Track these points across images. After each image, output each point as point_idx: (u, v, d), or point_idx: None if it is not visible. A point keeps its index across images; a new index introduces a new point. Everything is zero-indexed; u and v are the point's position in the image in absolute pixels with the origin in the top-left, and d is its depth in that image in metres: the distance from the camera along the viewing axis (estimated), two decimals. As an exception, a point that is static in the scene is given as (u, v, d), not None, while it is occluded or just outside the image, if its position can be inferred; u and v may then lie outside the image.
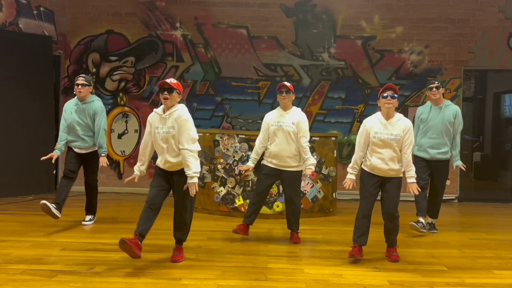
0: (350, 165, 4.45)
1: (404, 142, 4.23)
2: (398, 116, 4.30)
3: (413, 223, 5.36)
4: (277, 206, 6.21)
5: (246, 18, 8.05)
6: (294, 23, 8.06)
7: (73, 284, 3.58)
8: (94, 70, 8.14)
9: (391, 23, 8.00)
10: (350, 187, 4.39)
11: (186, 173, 3.96)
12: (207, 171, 6.45)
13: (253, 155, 5.04)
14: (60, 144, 5.42)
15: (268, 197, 6.13)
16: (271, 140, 4.92)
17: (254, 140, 5.28)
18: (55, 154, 5.36)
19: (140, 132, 8.13)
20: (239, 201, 6.31)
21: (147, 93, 8.12)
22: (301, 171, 4.96)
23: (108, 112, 8.09)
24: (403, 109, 7.88)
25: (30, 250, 4.48)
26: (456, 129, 5.48)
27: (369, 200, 4.32)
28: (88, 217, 5.65)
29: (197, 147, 4.01)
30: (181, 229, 4.20)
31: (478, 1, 7.95)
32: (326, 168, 6.45)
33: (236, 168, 6.28)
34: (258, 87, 8.09)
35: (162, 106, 4.11)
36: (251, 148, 5.82)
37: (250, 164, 5.03)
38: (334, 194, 6.60)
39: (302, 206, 6.28)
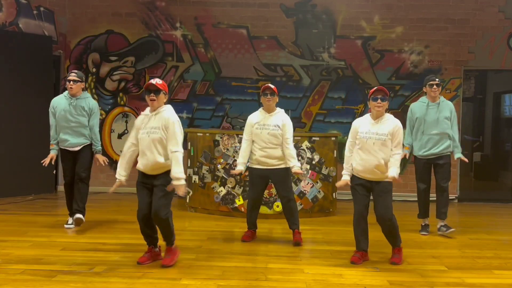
0: (344, 165, 4.38)
1: (393, 143, 4.16)
2: (387, 116, 4.26)
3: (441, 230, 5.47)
4: (277, 206, 6.21)
5: (246, 18, 8.06)
6: (294, 23, 8.06)
7: (73, 284, 3.58)
8: (94, 70, 8.14)
9: (391, 23, 8.00)
10: (341, 186, 4.33)
11: (174, 174, 3.87)
12: (207, 171, 6.45)
13: (241, 159, 4.98)
14: (54, 144, 5.34)
15: (268, 197, 6.14)
16: (256, 142, 4.90)
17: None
18: (53, 154, 5.33)
19: (140, 132, 8.11)
20: (239, 201, 6.31)
21: (147, 93, 8.11)
22: (288, 167, 4.90)
23: (108, 112, 8.14)
24: (403, 109, 7.89)
25: (30, 250, 4.47)
26: (453, 122, 5.47)
27: (361, 203, 4.24)
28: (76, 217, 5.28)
29: (182, 149, 3.98)
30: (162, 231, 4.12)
31: (478, 1, 7.95)
32: (326, 168, 6.45)
33: (236, 168, 6.27)
34: (258, 87, 8.08)
35: (148, 108, 4.07)
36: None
37: (242, 168, 4.99)
38: (334, 194, 6.60)
39: (302, 206, 6.33)
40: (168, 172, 3.95)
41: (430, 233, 5.54)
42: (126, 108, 8.18)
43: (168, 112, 3.99)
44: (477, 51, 7.98)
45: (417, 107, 5.55)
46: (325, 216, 6.48)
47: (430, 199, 5.58)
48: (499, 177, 10.62)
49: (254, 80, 8.08)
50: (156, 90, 3.95)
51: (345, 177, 4.33)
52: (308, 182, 6.38)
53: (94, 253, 4.42)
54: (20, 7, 7.53)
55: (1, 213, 6.18)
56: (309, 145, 6.36)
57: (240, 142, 6.25)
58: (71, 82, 5.26)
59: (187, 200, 6.68)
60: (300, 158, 6.16)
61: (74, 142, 5.32)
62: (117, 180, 4.13)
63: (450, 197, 6.39)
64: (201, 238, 5.07)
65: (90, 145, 5.41)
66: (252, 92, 8.08)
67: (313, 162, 6.38)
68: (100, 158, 5.42)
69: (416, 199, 5.68)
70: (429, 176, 5.54)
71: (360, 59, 8.05)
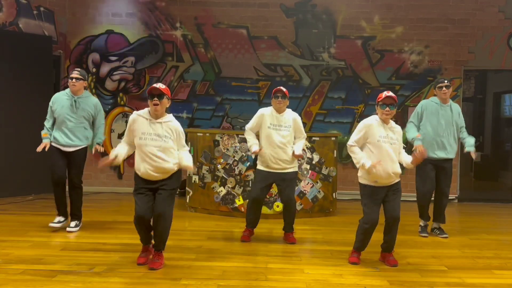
0: (358, 155, 4.18)
1: (399, 147, 4.24)
2: (392, 122, 4.29)
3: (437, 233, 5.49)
4: (277, 206, 6.21)
5: (246, 18, 8.06)
6: (294, 23, 8.06)
7: (73, 284, 3.58)
8: (94, 70, 8.14)
9: (391, 23, 8.01)
10: (375, 166, 4.06)
11: (187, 164, 4.00)
12: (207, 171, 6.45)
13: (253, 140, 4.96)
14: (48, 133, 5.19)
15: (268, 197, 6.14)
16: (266, 143, 4.90)
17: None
18: (47, 143, 5.17)
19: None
20: (239, 201, 6.31)
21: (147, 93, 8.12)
22: (297, 171, 5.05)
23: (108, 112, 8.13)
24: (403, 109, 7.91)
25: (30, 250, 4.47)
26: (462, 123, 5.46)
27: (377, 212, 4.19)
28: (73, 223, 5.28)
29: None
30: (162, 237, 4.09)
31: (478, 1, 7.95)
32: (326, 168, 6.45)
33: (236, 168, 6.29)
34: (258, 87, 8.09)
35: (146, 110, 4.05)
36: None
37: (257, 147, 4.93)
38: (334, 194, 6.60)
39: (302, 206, 6.34)
40: (172, 176, 4.00)
41: (430, 234, 5.54)
42: (126, 108, 8.18)
43: (176, 122, 4.06)
44: (477, 51, 7.98)
45: (428, 104, 5.41)
46: (325, 216, 6.48)
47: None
48: (499, 177, 10.64)
49: (254, 80, 8.09)
50: (160, 95, 3.93)
51: (369, 161, 4.11)
52: (308, 182, 6.38)
53: (94, 253, 4.42)
54: (20, 7, 7.53)
55: (1, 213, 6.18)
56: (309, 145, 6.36)
57: (240, 142, 6.26)
58: (74, 79, 5.16)
59: (187, 200, 6.68)
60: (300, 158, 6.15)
61: (69, 142, 5.16)
62: (113, 155, 3.99)
63: (450, 197, 6.40)
64: (201, 238, 5.07)
65: (85, 148, 5.27)
66: (252, 92, 8.08)
67: (313, 162, 6.38)
68: (99, 147, 5.29)
69: (415, 199, 5.63)
70: (435, 179, 5.44)
71: (360, 59, 8.05)
